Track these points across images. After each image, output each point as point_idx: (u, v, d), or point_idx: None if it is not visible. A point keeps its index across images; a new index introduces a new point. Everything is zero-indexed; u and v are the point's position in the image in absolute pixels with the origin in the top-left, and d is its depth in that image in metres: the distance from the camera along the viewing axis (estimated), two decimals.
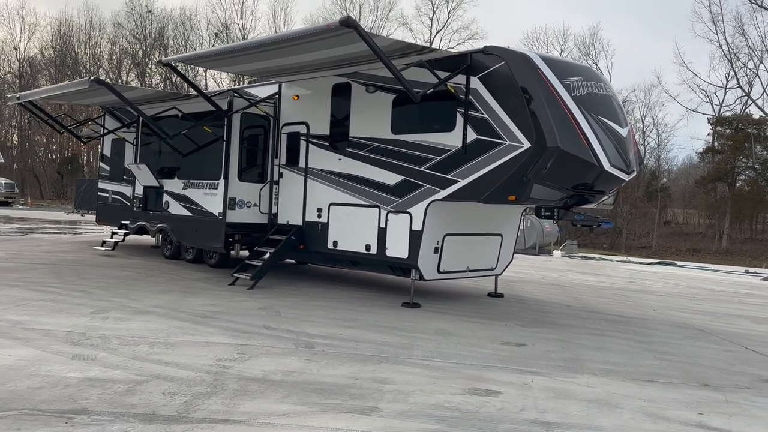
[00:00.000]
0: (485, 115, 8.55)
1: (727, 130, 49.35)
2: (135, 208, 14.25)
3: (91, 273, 11.44)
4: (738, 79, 42.84)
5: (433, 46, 10.01)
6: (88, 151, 55.43)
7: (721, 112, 48.40)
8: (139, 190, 14.08)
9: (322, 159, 10.78)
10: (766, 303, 13.42)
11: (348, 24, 7.43)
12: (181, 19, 58.95)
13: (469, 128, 8.72)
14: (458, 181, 8.82)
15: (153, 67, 58.44)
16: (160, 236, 14.53)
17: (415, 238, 9.30)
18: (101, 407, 4.57)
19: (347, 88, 10.37)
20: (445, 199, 9.01)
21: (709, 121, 50.37)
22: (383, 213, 9.73)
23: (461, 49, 37.29)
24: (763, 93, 40.86)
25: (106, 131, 15.25)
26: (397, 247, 9.52)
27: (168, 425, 4.29)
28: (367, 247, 9.92)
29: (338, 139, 10.58)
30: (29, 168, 57.26)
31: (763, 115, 43.13)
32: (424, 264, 9.39)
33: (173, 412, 4.53)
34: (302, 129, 11.15)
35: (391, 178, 9.64)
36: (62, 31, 59.74)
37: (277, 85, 11.69)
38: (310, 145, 11.00)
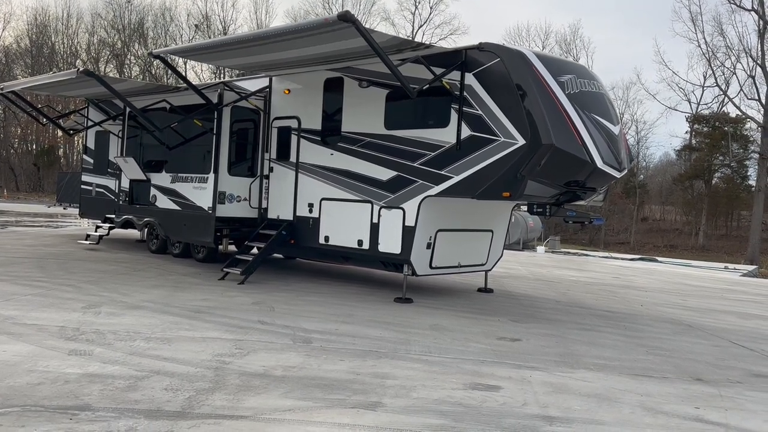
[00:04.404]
0: (480, 112, 8.59)
1: (705, 128, 50.11)
2: (121, 202, 14.07)
3: (78, 267, 11.29)
4: (716, 78, 43.47)
5: (427, 42, 10.01)
6: (65, 143, 54.59)
7: (699, 110, 49.15)
8: (125, 184, 13.91)
9: (313, 153, 10.74)
10: (748, 299, 13.71)
11: (346, 19, 7.40)
12: (161, 9, 58.17)
13: (463, 124, 8.74)
14: (452, 177, 8.84)
15: (132, 58, 57.72)
16: (146, 230, 14.38)
17: (408, 233, 9.32)
18: (104, 403, 4.52)
19: (339, 82, 10.33)
20: (439, 195, 9.03)
21: (687, 119, 51.13)
22: (376, 208, 9.73)
23: (443, 44, 37.36)
24: (740, 91, 41.52)
25: (91, 123, 15.01)
26: (390, 243, 9.53)
27: (174, 421, 4.26)
28: (360, 243, 9.91)
29: (330, 133, 10.55)
30: (4, 160, 56.15)
31: (740, 113, 43.84)
32: (416, 259, 9.42)
33: (178, 408, 4.50)
34: (293, 123, 11.10)
35: (384, 174, 9.64)
36: (38, 20, 58.57)
37: (268, 78, 11.61)
38: (302, 140, 10.95)
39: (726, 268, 23.76)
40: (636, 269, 19.59)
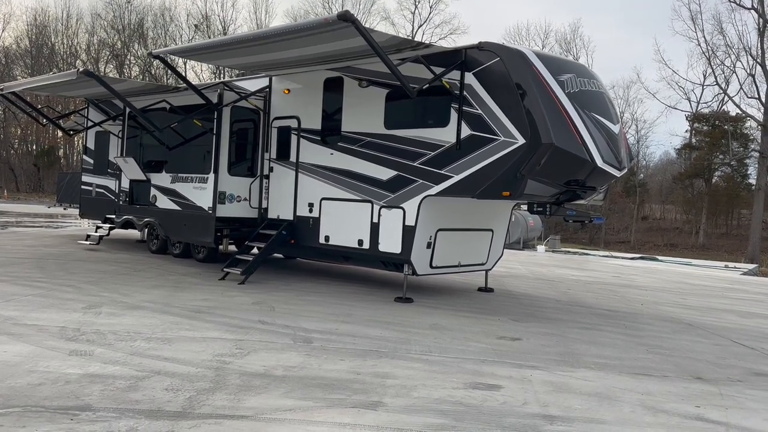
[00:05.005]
0: (479, 111, 8.58)
1: (705, 127, 50.10)
2: (121, 202, 14.08)
3: (78, 267, 11.29)
4: (716, 77, 43.54)
5: (426, 42, 10.00)
6: (65, 143, 54.58)
7: (699, 109, 49.14)
8: (125, 184, 13.91)
9: (313, 153, 10.74)
10: (748, 297, 13.71)
11: (346, 18, 7.40)
12: (160, 10, 58.13)
13: (463, 124, 8.74)
14: (452, 177, 8.84)
15: (132, 58, 57.70)
16: (147, 230, 14.39)
17: (408, 233, 9.32)
18: (105, 403, 4.52)
19: (339, 82, 10.33)
20: (438, 194, 9.03)
21: (687, 118, 51.13)
22: (376, 208, 9.73)
23: (443, 44, 37.35)
24: (740, 90, 41.64)
25: (91, 123, 15.01)
26: (390, 242, 9.53)
27: (175, 421, 4.26)
28: (360, 242, 9.91)
29: (330, 133, 10.55)
30: (4, 160, 56.13)
31: (740, 112, 43.86)
32: (417, 259, 9.42)
33: (179, 408, 4.50)
34: (293, 123, 11.10)
35: (384, 173, 9.64)
36: (38, 20, 58.55)
37: (268, 78, 11.61)
38: (302, 140, 10.95)
39: (726, 266, 23.76)
40: (636, 268, 19.59)
